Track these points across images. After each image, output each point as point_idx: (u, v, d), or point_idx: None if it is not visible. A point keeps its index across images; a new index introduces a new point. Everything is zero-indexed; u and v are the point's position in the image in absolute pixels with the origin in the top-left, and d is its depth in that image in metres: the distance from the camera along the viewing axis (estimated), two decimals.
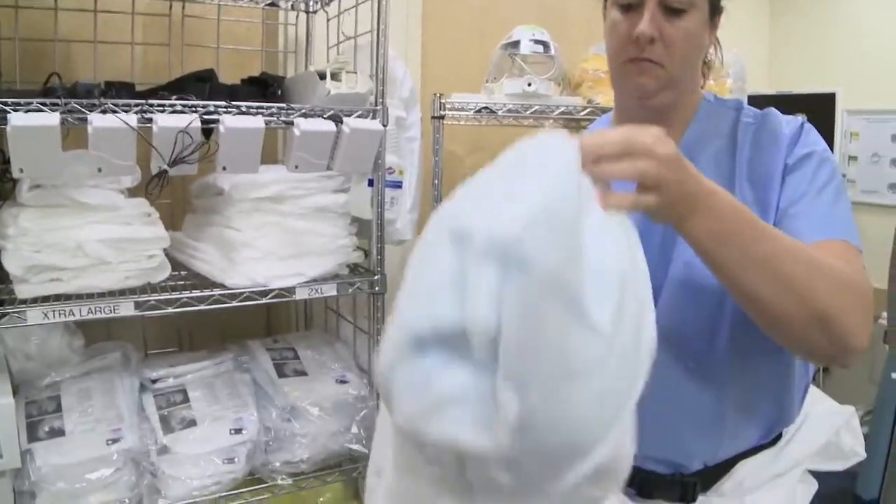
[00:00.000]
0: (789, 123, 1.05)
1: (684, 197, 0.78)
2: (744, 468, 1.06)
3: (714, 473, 1.06)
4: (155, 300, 1.52)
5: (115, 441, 1.53)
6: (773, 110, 1.09)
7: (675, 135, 1.08)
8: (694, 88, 1.10)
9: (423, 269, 0.70)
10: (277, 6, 2.07)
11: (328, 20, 2.01)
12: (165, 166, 1.43)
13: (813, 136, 1.04)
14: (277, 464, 1.72)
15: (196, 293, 1.56)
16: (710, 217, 0.80)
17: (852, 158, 3.09)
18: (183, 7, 1.94)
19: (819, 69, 3.18)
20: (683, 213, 0.79)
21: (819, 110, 2.75)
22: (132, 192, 1.59)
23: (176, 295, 1.54)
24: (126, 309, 1.47)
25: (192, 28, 1.97)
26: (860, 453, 1.18)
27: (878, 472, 2.32)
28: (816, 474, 1.16)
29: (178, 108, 1.47)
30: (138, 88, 1.64)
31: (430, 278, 0.67)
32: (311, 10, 2.09)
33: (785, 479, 1.10)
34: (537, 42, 1.88)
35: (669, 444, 1.03)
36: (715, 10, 1.05)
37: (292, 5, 2.08)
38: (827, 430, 1.16)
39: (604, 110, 1.92)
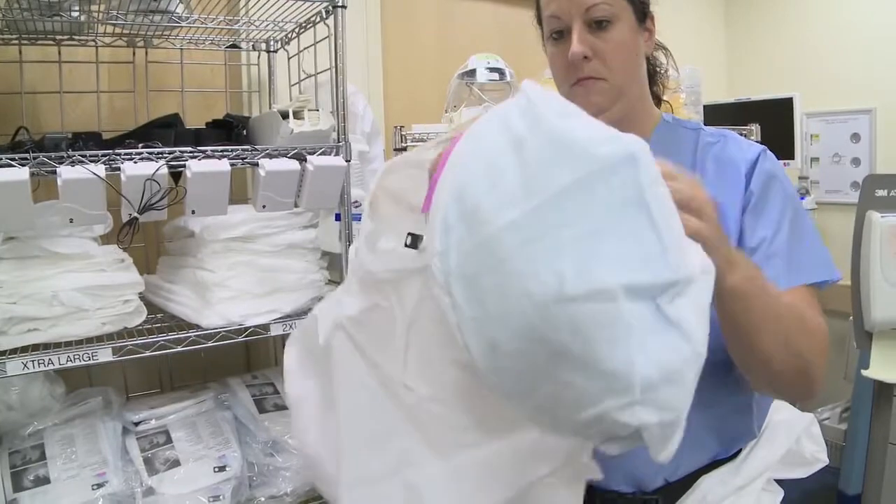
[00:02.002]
0: (747, 151, 1.09)
1: (724, 255, 0.79)
2: (706, 482, 1.06)
3: (676, 490, 1.06)
4: (132, 345, 1.56)
5: (100, 486, 1.56)
6: (732, 134, 1.14)
7: None
8: (643, 96, 1.15)
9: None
10: (238, 48, 2.14)
11: (289, 58, 2.09)
12: (135, 214, 1.49)
13: (772, 166, 1.08)
14: (262, 498, 1.76)
15: (173, 335, 1.61)
16: (744, 274, 0.83)
17: (814, 160, 3.20)
18: (146, 53, 2.00)
19: (776, 75, 3.30)
20: (724, 268, 0.77)
21: (778, 115, 2.86)
22: (105, 239, 1.65)
23: (153, 339, 1.58)
24: (104, 355, 1.52)
25: (156, 73, 2.04)
26: (822, 459, 1.20)
27: (860, 468, 2.40)
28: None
29: (146, 155, 1.52)
30: (105, 136, 1.70)
31: None
32: (271, 49, 2.16)
33: (748, 489, 1.11)
34: (493, 70, 1.96)
35: (630, 461, 0.98)
36: (643, 15, 1.10)
37: (253, 46, 2.16)
38: (788, 438, 1.18)
39: None
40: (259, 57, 2.20)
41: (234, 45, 2.12)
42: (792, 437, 1.20)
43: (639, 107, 1.14)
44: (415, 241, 0.75)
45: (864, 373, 1.92)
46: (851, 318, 2.18)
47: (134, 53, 1.99)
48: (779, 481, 1.18)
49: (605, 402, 0.61)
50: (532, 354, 0.62)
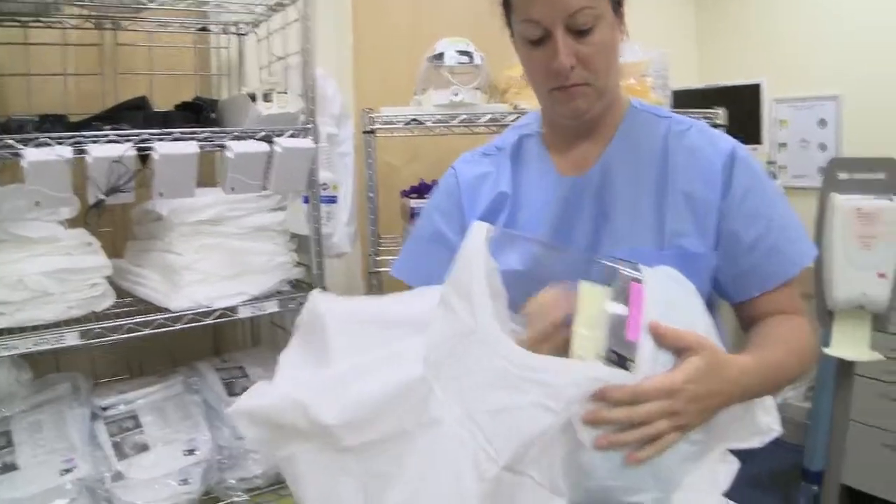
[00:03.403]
0: (720, 143, 1.10)
1: (719, 405, 0.90)
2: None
3: None
4: (100, 328, 1.56)
5: (68, 471, 1.56)
6: (701, 124, 1.15)
7: (603, 140, 1.14)
8: (617, 86, 1.15)
9: None
10: (208, 30, 2.13)
11: (258, 41, 2.08)
12: (101, 196, 1.48)
13: (747, 156, 1.10)
14: (233, 481, 1.77)
15: (140, 318, 1.61)
16: (739, 396, 0.93)
17: (782, 145, 3.25)
18: (115, 36, 1.99)
19: (745, 61, 3.34)
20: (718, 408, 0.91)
21: (746, 100, 2.90)
22: (72, 223, 1.63)
23: (120, 322, 1.59)
24: (72, 339, 1.52)
25: (124, 56, 2.02)
26: (776, 429, 1.23)
27: (823, 445, 2.45)
28: (767, 454, 1.23)
29: (112, 137, 1.51)
30: (73, 119, 1.68)
31: None
32: (241, 32, 2.15)
33: (704, 460, 1.16)
34: (462, 53, 1.96)
35: None
36: (618, 4, 1.07)
37: (223, 29, 2.15)
38: (743, 409, 1.23)
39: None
40: (229, 40, 2.19)
41: (203, 28, 2.11)
42: (747, 409, 1.23)
43: (613, 97, 1.14)
44: (622, 360, 0.84)
45: (826, 351, 1.96)
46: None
47: (102, 36, 1.97)
48: (743, 458, 1.20)
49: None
50: None
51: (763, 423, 1.21)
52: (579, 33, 1.01)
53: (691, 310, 0.96)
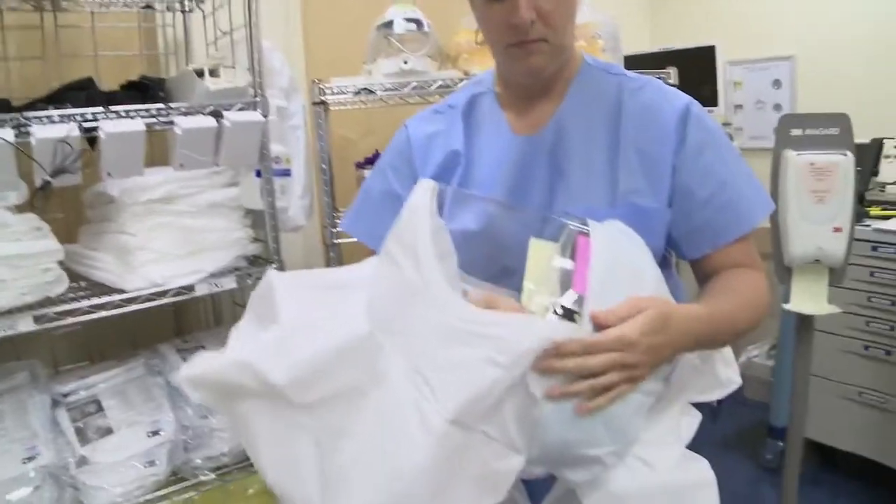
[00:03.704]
0: (674, 100, 1.10)
1: (678, 348, 0.93)
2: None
3: None
4: (54, 312, 1.54)
5: (31, 459, 1.55)
6: (655, 81, 1.15)
7: (557, 98, 1.14)
8: (572, 44, 1.14)
9: None
10: (153, 8, 2.09)
11: (204, 18, 2.05)
12: (47, 177, 1.46)
13: (701, 113, 1.11)
14: (199, 460, 1.77)
15: (96, 300, 1.59)
16: (691, 346, 0.97)
17: (738, 107, 3.28)
18: (55, 17, 1.94)
19: (698, 24, 3.36)
20: (685, 349, 0.95)
21: (700, 63, 2.92)
22: (20, 209, 1.60)
23: (75, 305, 1.57)
24: (25, 325, 1.50)
25: (67, 38, 1.97)
26: (736, 381, 1.24)
27: (787, 402, 2.50)
28: (734, 412, 1.24)
29: (56, 118, 1.49)
30: (15, 104, 1.65)
31: None
32: (186, 9, 2.12)
33: (666, 413, 1.11)
34: (410, 20, 1.95)
35: None
36: None
37: (168, 6, 2.11)
38: (701, 362, 1.24)
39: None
40: (174, 17, 2.15)
41: (147, 6, 2.07)
42: (707, 361, 1.24)
43: (569, 55, 1.14)
44: (569, 313, 0.85)
45: (786, 306, 1.99)
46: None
47: (42, 18, 1.92)
48: (711, 418, 1.22)
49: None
50: None
51: (723, 376, 1.22)
52: None
53: (639, 262, 0.97)
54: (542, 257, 0.93)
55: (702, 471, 1.03)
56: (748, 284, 1.09)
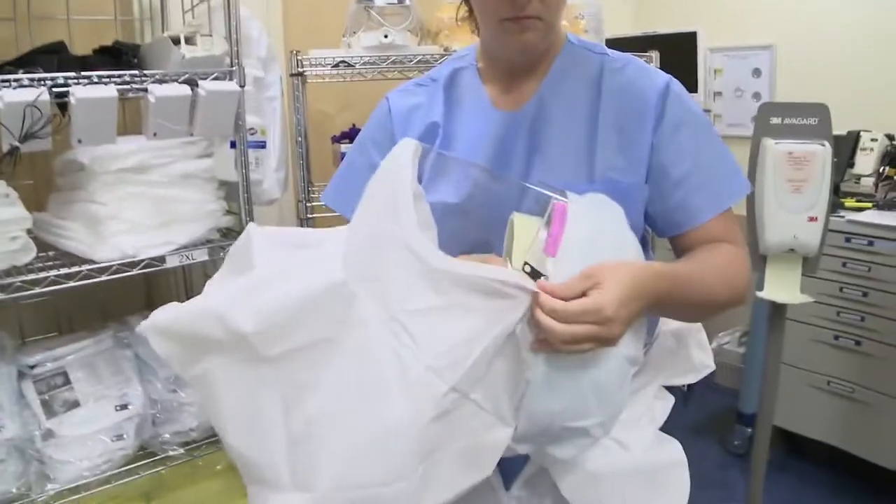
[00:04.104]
0: (655, 79, 1.10)
1: (647, 305, 0.90)
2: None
3: None
4: (21, 282, 1.51)
5: None
6: (637, 60, 1.14)
7: (539, 75, 1.14)
8: (561, 23, 1.14)
9: None
10: None
11: None
12: (16, 143, 1.43)
13: (681, 91, 1.11)
14: (167, 435, 1.76)
15: (64, 270, 1.56)
16: (665, 296, 0.93)
17: (717, 94, 3.30)
18: None
19: (681, 10, 3.37)
20: (653, 308, 0.92)
21: (682, 49, 2.92)
22: None
23: (43, 274, 1.53)
24: None
25: (39, 0, 1.93)
26: (709, 365, 1.24)
27: (757, 389, 2.54)
28: (705, 398, 1.26)
29: (26, 82, 1.45)
30: None
31: None
32: None
33: (641, 396, 1.15)
34: None
35: None
36: None
37: None
38: (678, 346, 1.23)
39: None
40: None
41: None
42: (682, 345, 1.25)
43: (557, 34, 1.14)
44: (536, 274, 0.85)
45: (759, 294, 2.01)
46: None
47: None
48: (682, 403, 1.23)
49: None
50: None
51: (697, 360, 1.24)
52: None
53: (618, 231, 0.97)
54: (527, 231, 0.92)
55: (674, 451, 1.06)
56: (722, 256, 1.07)
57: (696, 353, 1.27)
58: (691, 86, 2.92)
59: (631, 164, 1.09)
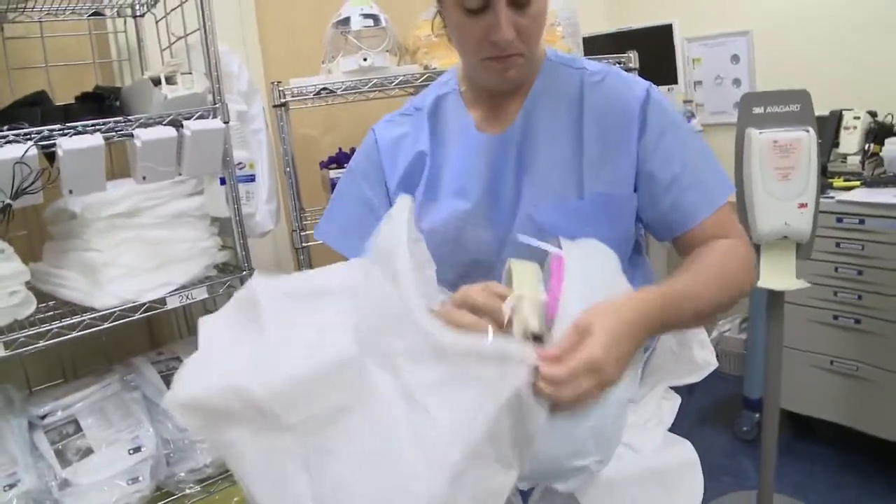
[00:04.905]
0: (634, 87, 1.13)
1: (648, 334, 0.91)
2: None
3: None
4: (25, 337, 1.52)
5: (12, 486, 1.54)
6: (615, 70, 1.17)
7: (521, 95, 1.16)
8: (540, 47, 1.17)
9: None
10: (102, 14, 2.05)
11: (157, 22, 2.02)
12: (8, 200, 1.44)
13: (661, 99, 1.14)
14: (183, 474, 1.78)
15: (66, 321, 1.57)
16: (656, 333, 0.96)
17: (697, 83, 3.33)
18: (1, 30, 1.90)
19: (654, 2, 3.39)
20: (655, 333, 0.94)
21: (659, 42, 2.95)
22: None
23: (46, 327, 1.55)
24: None
25: (16, 50, 1.94)
26: (712, 363, 1.26)
27: (761, 373, 2.56)
28: (710, 386, 1.27)
29: (11, 137, 1.46)
30: None
31: None
32: (137, 13, 2.09)
33: (649, 398, 1.18)
34: (367, 16, 1.93)
35: None
36: None
37: (118, 12, 2.08)
38: (680, 347, 1.24)
39: (442, 73, 2.00)
40: (125, 23, 2.12)
41: (97, 13, 2.03)
42: (684, 346, 1.27)
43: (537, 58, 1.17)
44: (538, 340, 0.87)
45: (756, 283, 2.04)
46: None
47: None
48: (688, 392, 1.25)
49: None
50: None
51: (700, 359, 1.26)
52: (519, 6, 1.02)
53: (613, 281, 0.98)
54: (524, 278, 0.94)
55: (686, 452, 1.09)
56: (717, 256, 1.08)
57: (698, 353, 1.29)
58: (670, 78, 2.95)
59: (618, 175, 1.12)
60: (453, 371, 0.83)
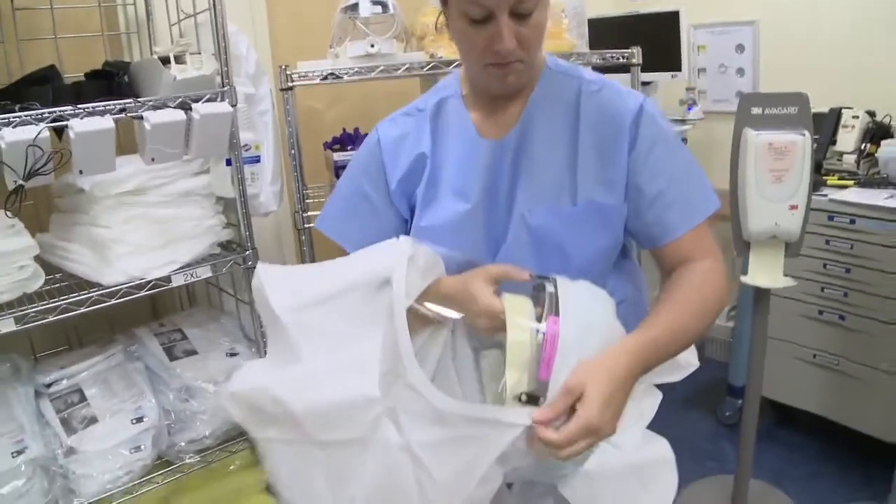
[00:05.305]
0: (629, 101, 1.19)
1: (625, 400, 0.98)
2: None
3: None
4: (34, 311, 1.58)
5: (20, 452, 1.62)
6: (612, 82, 1.23)
7: (521, 101, 1.22)
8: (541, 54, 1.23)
9: None
10: None
11: None
12: (21, 181, 1.49)
13: (654, 112, 1.19)
14: (183, 443, 1.86)
15: (74, 297, 1.64)
16: (649, 360, 1.03)
17: (701, 70, 3.36)
18: (11, 1, 1.94)
19: None
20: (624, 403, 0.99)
21: (665, 28, 2.97)
22: None
23: (54, 303, 1.61)
24: (6, 326, 1.54)
25: (25, 21, 1.96)
26: (694, 363, 1.32)
27: (745, 361, 2.65)
28: (696, 372, 1.34)
29: (24, 118, 1.50)
30: None
31: None
32: None
33: (630, 398, 1.27)
34: (376, 3, 1.97)
35: None
36: None
37: None
38: None
39: (447, 63, 2.05)
40: None
41: None
42: None
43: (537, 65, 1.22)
44: (532, 399, 0.93)
45: (743, 279, 2.10)
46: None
47: None
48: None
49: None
50: None
51: (683, 359, 1.31)
52: (520, 16, 1.07)
53: (607, 330, 1.04)
54: (517, 311, 1.00)
55: (662, 449, 1.13)
56: (696, 282, 1.16)
57: (681, 353, 1.37)
58: (675, 64, 2.98)
59: (610, 185, 1.18)
60: (451, 432, 0.92)
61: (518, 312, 1.00)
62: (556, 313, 0.97)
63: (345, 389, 0.95)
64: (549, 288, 1.01)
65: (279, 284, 1.06)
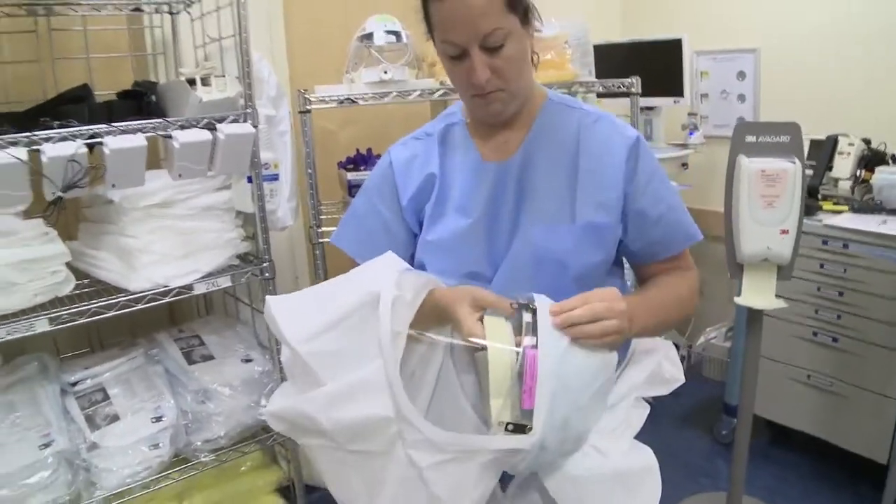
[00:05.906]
0: (624, 133, 1.34)
1: (632, 330, 1.17)
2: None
3: None
4: (67, 314, 1.74)
5: (46, 445, 1.76)
6: (608, 114, 1.38)
7: (522, 129, 1.36)
8: (531, 84, 1.36)
9: None
10: (141, 10, 2.25)
11: (192, 21, 2.22)
12: (60, 193, 1.65)
13: (647, 148, 1.36)
14: (199, 443, 2.01)
15: (104, 301, 1.79)
16: (643, 328, 1.23)
17: (704, 96, 3.50)
18: (48, 22, 2.09)
19: (668, 16, 3.57)
20: (630, 335, 1.20)
21: (668, 55, 3.12)
22: (26, 213, 1.76)
23: (85, 306, 1.77)
24: (42, 326, 1.70)
25: (59, 41, 2.13)
26: (679, 378, 1.40)
27: (740, 381, 2.76)
28: (693, 391, 1.47)
29: (63, 135, 1.66)
30: (13, 107, 1.82)
31: None
32: (174, 11, 2.28)
33: (619, 406, 1.32)
34: (390, 32, 2.13)
35: None
36: (526, 17, 1.24)
37: (156, 8, 2.26)
38: (651, 362, 1.41)
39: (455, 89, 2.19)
40: (162, 19, 2.32)
41: (136, 9, 2.22)
42: (654, 361, 1.43)
43: (527, 94, 1.36)
44: (519, 428, 1.06)
45: (737, 300, 2.22)
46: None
47: (36, 22, 2.07)
48: (673, 395, 1.44)
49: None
50: None
51: (669, 374, 1.43)
52: (492, 50, 1.20)
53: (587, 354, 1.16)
54: (498, 333, 1.11)
55: (647, 458, 1.24)
56: (678, 284, 1.37)
57: (667, 368, 1.46)
58: (678, 91, 3.12)
59: (605, 206, 1.32)
60: (449, 455, 1.07)
61: (499, 339, 1.10)
62: (536, 345, 1.07)
63: (362, 409, 1.08)
64: (527, 317, 1.11)
65: (289, 316, 1.18)
